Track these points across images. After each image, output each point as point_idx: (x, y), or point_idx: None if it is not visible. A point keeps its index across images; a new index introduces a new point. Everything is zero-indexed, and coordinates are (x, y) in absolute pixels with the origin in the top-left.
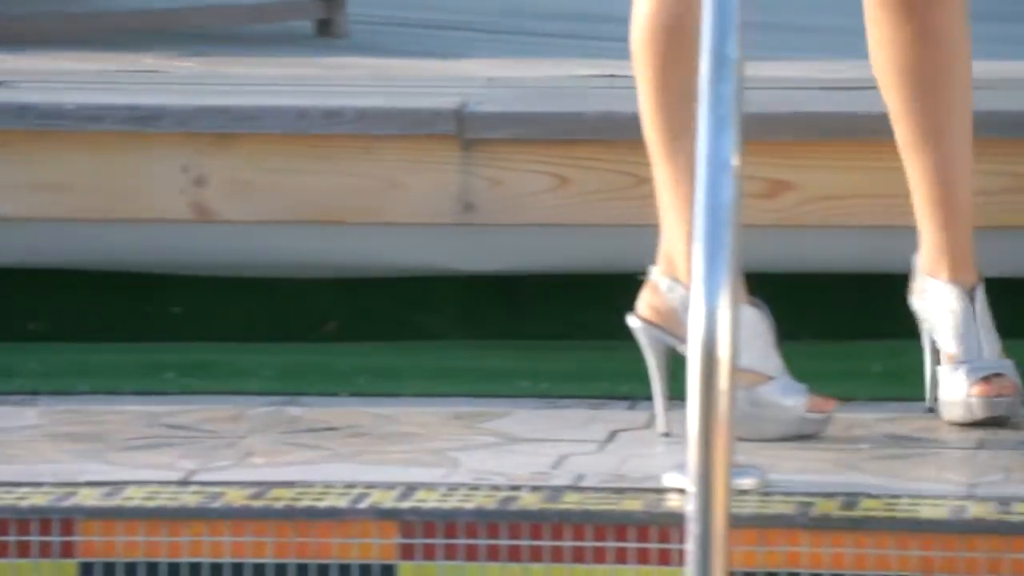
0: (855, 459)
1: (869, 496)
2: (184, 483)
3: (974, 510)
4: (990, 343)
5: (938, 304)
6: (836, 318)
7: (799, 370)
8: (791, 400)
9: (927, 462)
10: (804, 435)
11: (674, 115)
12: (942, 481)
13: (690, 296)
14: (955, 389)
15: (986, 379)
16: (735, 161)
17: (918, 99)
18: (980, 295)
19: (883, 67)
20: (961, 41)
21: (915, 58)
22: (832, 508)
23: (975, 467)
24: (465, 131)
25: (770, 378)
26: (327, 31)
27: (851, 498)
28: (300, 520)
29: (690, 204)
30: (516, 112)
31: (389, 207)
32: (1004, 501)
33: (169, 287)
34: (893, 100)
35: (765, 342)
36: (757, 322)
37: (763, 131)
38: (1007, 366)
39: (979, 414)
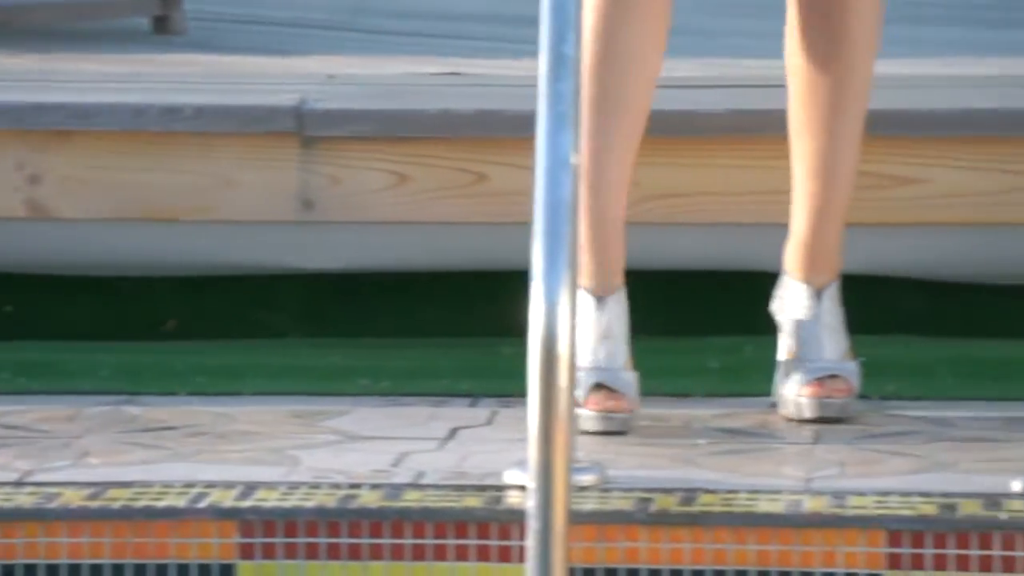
0: (693, 455)
1: (707, 491)
2: (19, 484)
3: (809, 504)
4: (833, 344)
5: (788, 301)
6: (675, 314)
7: (640, 367)
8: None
9: (764, 457)
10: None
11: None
12: (779, 476)
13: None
14: (790, 387)
15: (819, 380)
16: (574, 159)
17: (819, 84)
18: (830, 295)
19: (794, 49)
20: (871, 37)
21: (826, 44)
22: (670, 504)
23: (811, 462)
24: (304, 128)
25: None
26: (164, 28)
27: (689, 493)
28: (138, 520)
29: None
30: (356, 109)
31: (228, 205)
32: (839, 495)
33: (3, 285)
34: (796, 82)
35: (586, 332)
36: (585, 311)
37: None
38: (847, 368)
39: (808, 414)
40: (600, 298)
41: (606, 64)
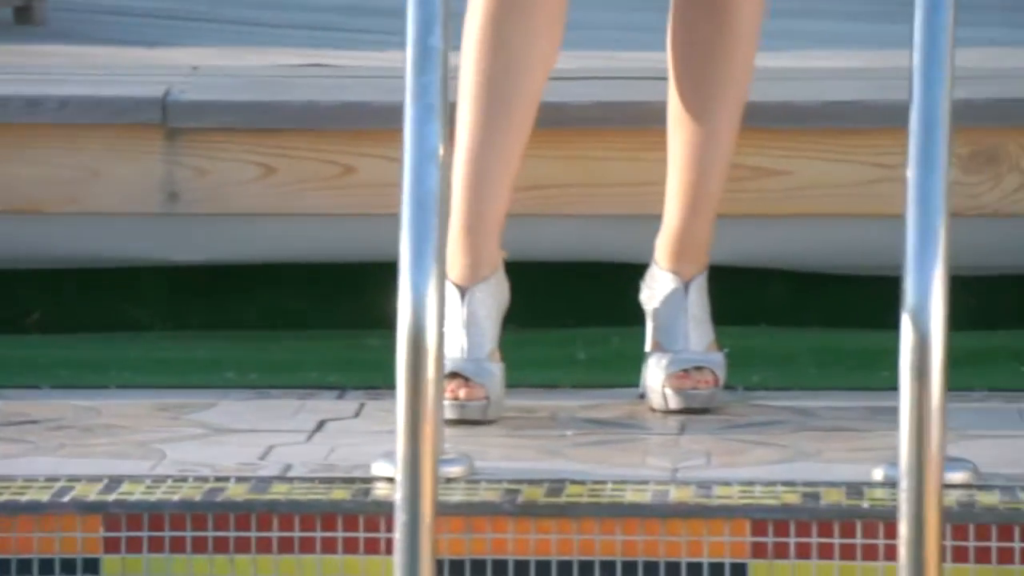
0: (560, 446)
1: (574, 482)
2: None
3: (675, 494)
4: (700, 335)
5: (656, 291)
6: (543, 305)
7: (507, 359)
8: None
9: (631, 448)
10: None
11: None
12: (645, 466)
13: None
14: (655, 378)
15: (685, 371)
16: (442, 150)
17: (699, 77)
18: (697, 286)
19: (676, 41)
20: (754, 31)
21: (708, 37)
22: (538, 495)
23: (677, 452)
24: (169, 120)
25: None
26: (25, 18)
27: (557, 484)
28: (0, 515)
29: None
30: (221, 101)
31: (92, 197)
32: (704, 485)
33: None
34: (676, 74)
35: (452, 320)
36: (450, 301)
37: None
38: (712, 360)
39: (673, 405)
40: (464, 288)
41: (494, 55)
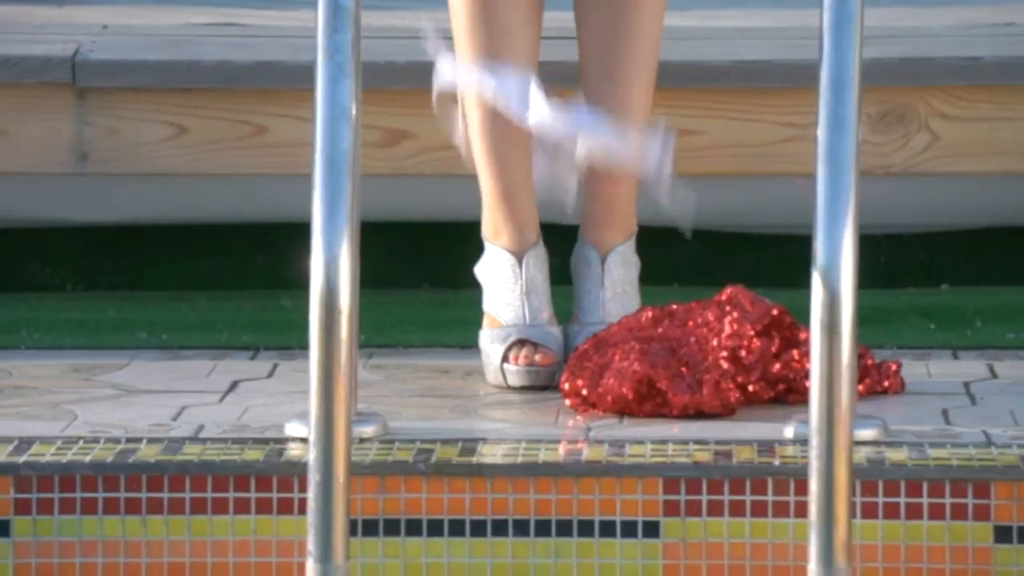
0: (474, 405)
1: (487, 441)
2: None
3: (589, 453)
4: (619, 306)
5: (575, 262)
6: (455, 266)
7: (420, 319)
8: (494, 348)
9: (544, 408)
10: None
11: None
12: (559, 426)
13: None
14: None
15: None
16: (354, 109)
17: (608, 39)
18: (617, 256)
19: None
20: None
21: None
22: (451, 454)
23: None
24: (79, 79)
25: (503, 324)
26: None
27: (470, 444)
28: None
29: None
30: (131, 60)
31: (1, 157)
32: (617, 443)
33: None
34: (585, 37)
35: (508, 288)
36: (503, 268)
37: (382, 80)
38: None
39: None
40: (519, 256)
41: (485, 27)
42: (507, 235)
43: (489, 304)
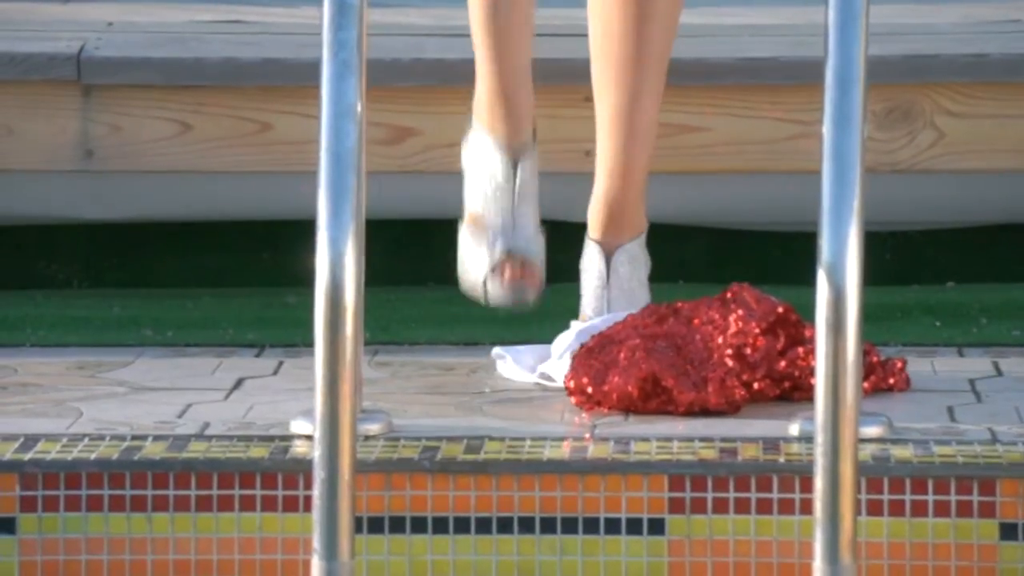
0: (479, 403)
1: (492, 439)
2: None
3: (593, 450)
4: (628, 304)
5: (583, 262)
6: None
7: (425, 316)
8: (478, 253)
9: (549, 405)
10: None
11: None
12: (563, 423)
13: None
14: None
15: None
16: (360, 107)
17: (620, 36)
18: (625, 253)
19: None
20: None
21: None
22: (456, 452)
23: (596, 408)
24: (84, 77)
25: (487, 227)
26: None
27: (475, 441)
28: None
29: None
30: (137, 57)
31: (7, 154)
32: (622, 440)
33: None
34: (597, 34)
35: (500, 189)
36: (495, 166)
37: (387, 77)
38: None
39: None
40: (514, 158)
41: (495, 20)
42: (503, 131)
43: (473, 199)
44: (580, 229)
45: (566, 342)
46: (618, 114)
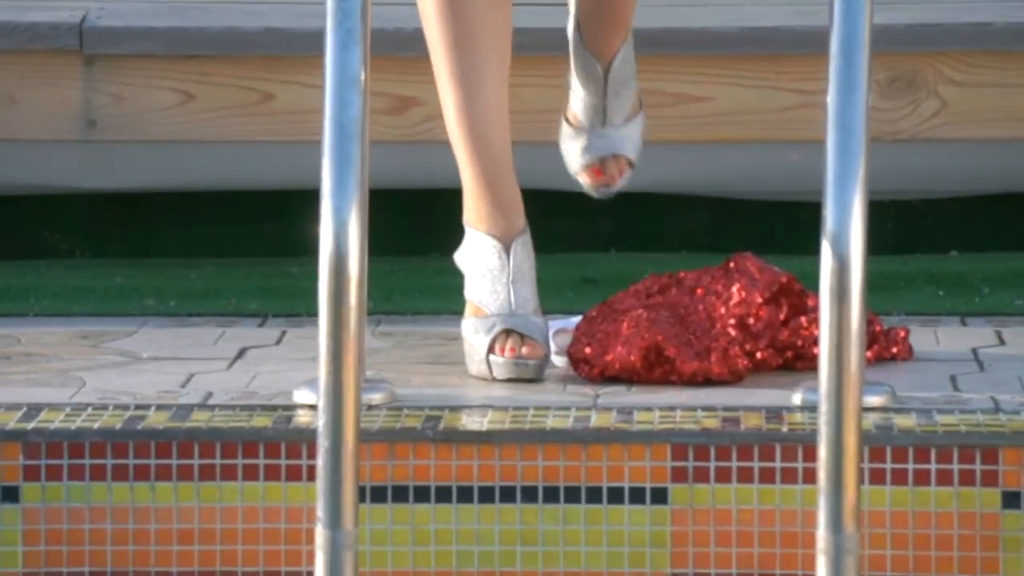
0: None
1: (495, 408)
2: None
3: (597, 420)
4: (616, 108)
5: (578, 68)
6: (463, 234)
7: (428, 286)
8: (478, 339)
9: (552, 374)
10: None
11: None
12: (567, 392)
13: None
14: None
15: (602, 160)
16: (363, 77)
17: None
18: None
19: None
20: None
21: None
22: (460, 421)
23: (599, 378)
24: (87, 46)
25: (488, 314)
26: None
27: (478, 411)
28: None
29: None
30: (139, 27)
31: (9, 124)
32: (625, 410)
33: None
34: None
35: (494, 276)
36: (489, 256)
37: (391, 47)
38: (625, 136)
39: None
40: (506, 244)
41: (454, 25)
42: (493, 222)
43: (472, 292)
44: (581, 199)
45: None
46: None
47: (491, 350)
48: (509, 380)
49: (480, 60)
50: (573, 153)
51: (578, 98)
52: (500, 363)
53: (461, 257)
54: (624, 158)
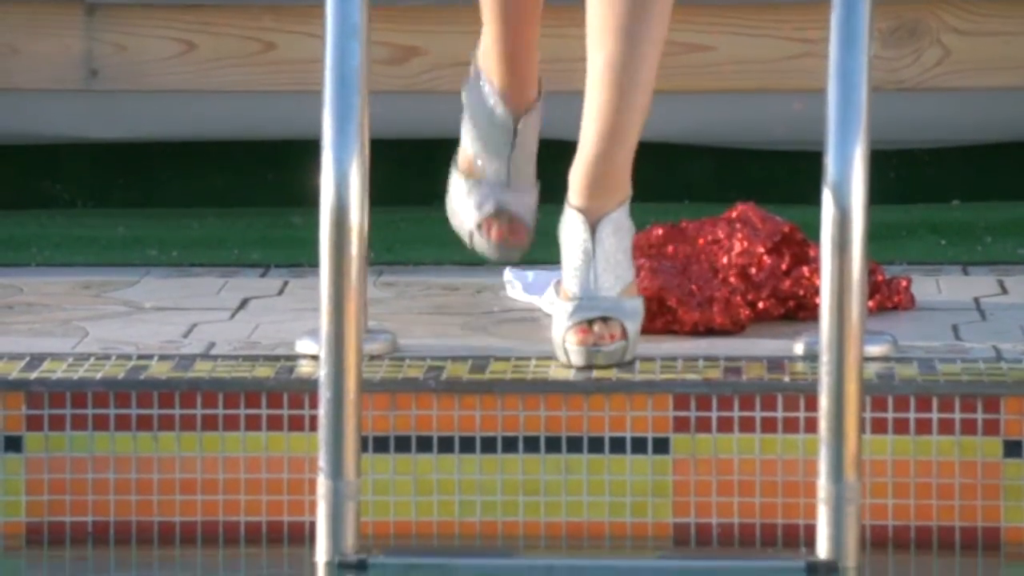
0: (484, 322)
1: (498, 359)
2: None
3: (599, 370)
4: (612, 278)
5: (563, 231)
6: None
7: (430, 236)
8: (468, 202)
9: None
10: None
11: None
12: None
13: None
14: (557, 328)
15: (588, 324)
16: (364, 26)
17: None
18: (611, 223)
19: None
20: None
21: None
22: (462, 371)
23: None
24: None
25: (481, 176)
26: None
27: (480, 361)
28: None
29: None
30: None
31: (12, 73)
32: (627, 360)
33: None
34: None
35: (497, 140)
36: (497, 119)
37: None
38: (623, 308)
39: (575, 362)
40: (516, 115)
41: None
42: (507, 87)
43: (470, 141)
44: None
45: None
46: (614, 65)
47: (479, 226)
48: (494, 263)
49: None
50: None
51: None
52: (486, 244)
53: (468, 92)
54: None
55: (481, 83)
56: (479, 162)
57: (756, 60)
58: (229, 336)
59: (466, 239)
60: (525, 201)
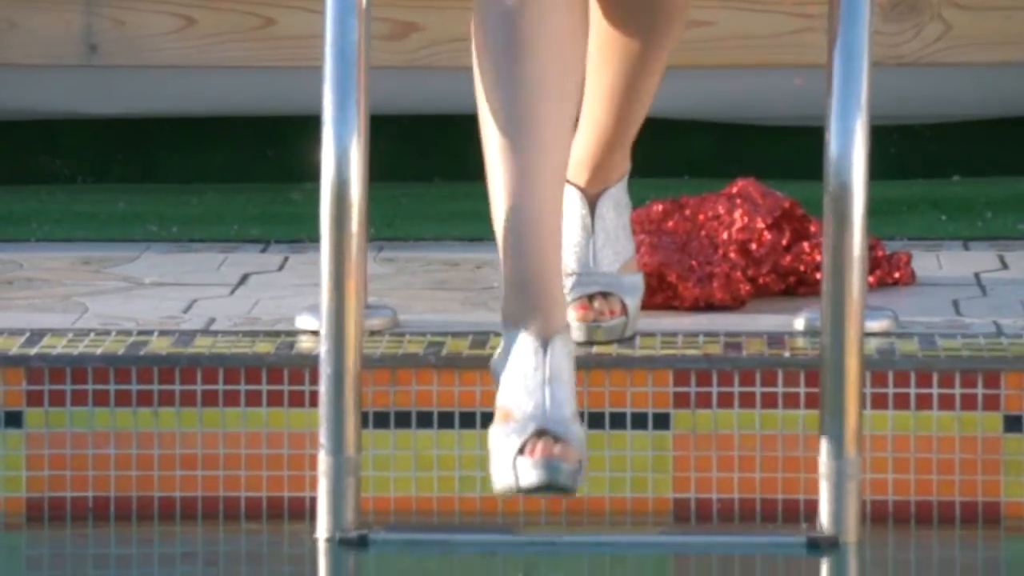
0: (484, 298)
1: (497, 334)
2: None
3: (599, 346)
4: (612, 253)
5: (564, 208)
6: (465, 159)
7: (430, 212)
8: (507, 442)
9: None
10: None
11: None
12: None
13: None
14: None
15: (588, 299)
16: (364, 2)
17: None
18: (609, 198)
19: None
20: None
21: None
22: (462, 347)
23: None
24: None
25: (519, 418)
26: None
27: (480, 337)
28: None
29: None
30: None
31: (10, 48)
32: (627, 336)
33: None
34: (605, 8)
35: (528, 375)
36: (523, 355)
37: None
38: (623, 284)
39: (576, 337)
40: (544, 341)
41: (513, 83)
42: (531, 322)
43: (504, 396)
44: None
45: None
46: (618, 84)
47: (520, 451)
48: (539, 491)
49: (534, 146)
50: None
51: None
52: (529, 464)
53: (497, 363)
54: None
55: (506, 338)
56: (513, 405)
57: (757, 35)
58: (229, 312)
59: (511, 481)
60: (571, 426)
